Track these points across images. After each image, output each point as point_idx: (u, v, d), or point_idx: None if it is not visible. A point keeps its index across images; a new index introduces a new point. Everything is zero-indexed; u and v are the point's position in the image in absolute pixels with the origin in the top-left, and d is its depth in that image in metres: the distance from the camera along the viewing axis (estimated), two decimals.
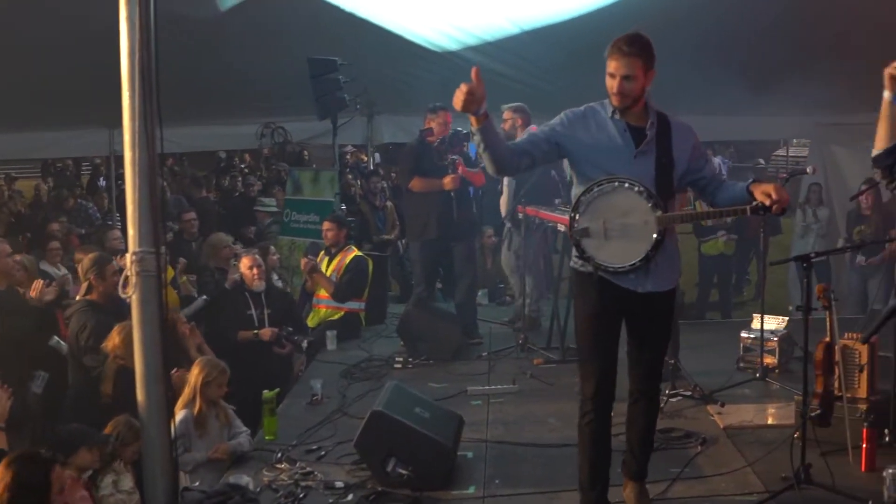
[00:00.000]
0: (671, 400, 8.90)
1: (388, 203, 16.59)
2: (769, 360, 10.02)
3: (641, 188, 6.01)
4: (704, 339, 11.92)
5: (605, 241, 6.09)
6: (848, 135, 15.22)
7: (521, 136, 11.71)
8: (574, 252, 6.27)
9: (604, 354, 6.32)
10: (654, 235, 6.04)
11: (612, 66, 5.96)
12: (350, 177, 17.86)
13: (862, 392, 7.86)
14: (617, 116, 6.13)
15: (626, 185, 6.02)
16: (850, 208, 13.48)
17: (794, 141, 25.90)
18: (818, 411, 7.07)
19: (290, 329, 10.85)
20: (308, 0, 11.73)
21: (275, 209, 15.90)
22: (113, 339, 8.71)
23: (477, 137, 5.88)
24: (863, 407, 7.69)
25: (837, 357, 7.55)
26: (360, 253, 12.39)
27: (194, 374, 8.16)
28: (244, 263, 11.00)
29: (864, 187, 11.82)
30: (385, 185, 17.39)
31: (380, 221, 16.07)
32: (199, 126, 15.82)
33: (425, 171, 11.47)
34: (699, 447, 7.93)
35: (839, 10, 11.21)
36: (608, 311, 6.28)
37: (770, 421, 8.65)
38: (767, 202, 5.85)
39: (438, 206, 11.39)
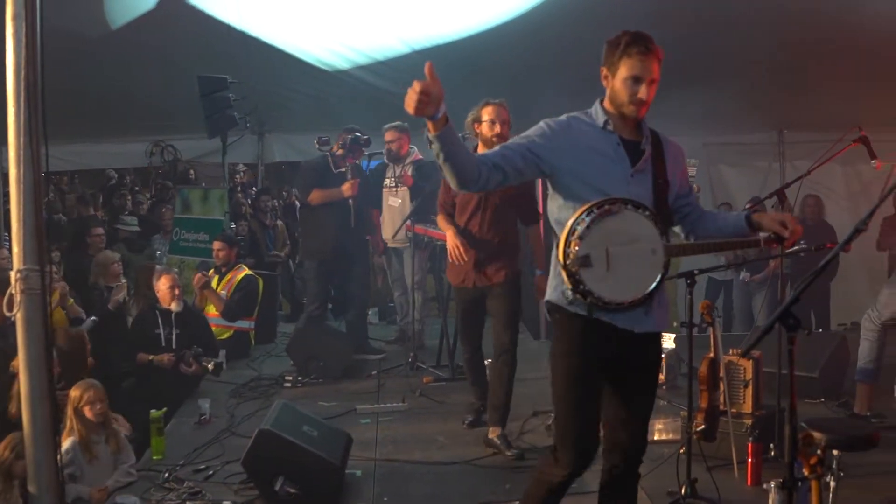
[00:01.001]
0: None
1: (279, 222, 16.54)
2: None
3: (648, 212, 5.13)
4: None
5: (608, 273, 5.05)
6: (736, 154, 15.46)
7: (409, 157, 11.83)
8: (562, 285, 5.18)
9: (589, 417, 5.39)
10: (663, 267, 5.22)
11: (636, 66, 5.11)
12: (240, 195, 17.78)
13: (747, 407, 8.00)
14: (610, 128, 5.27)
15: (630, 206, 5.09)
16: None
17: None
18: (703, 426, 7.16)
19: (200, 350, 10.70)
20: (199, 18, 11.66)
21: (135, 228, 15.73)
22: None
23: (435, 146, 4.84)
24: (748, 422, 7.83)
25: (722, 373, 7.68)
26: (250, 272, 12.40)
27: (69, 398, 8.02)
28: (164, 283, 10.75)
29: (748, 205, 12.01)
30: (275, 204, 17.31)
31: (270, 240, 16.01)
32: (89, 144, 15.63)
33: (324, 183, 11.54)
34: None
35: (727, 31, 11.40)
36: (596, 360, 5.30)
37: (657, 436, 8.74)
38: (785, 233, 5.22)
39: (336, 220, 11.52)
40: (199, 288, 12.00)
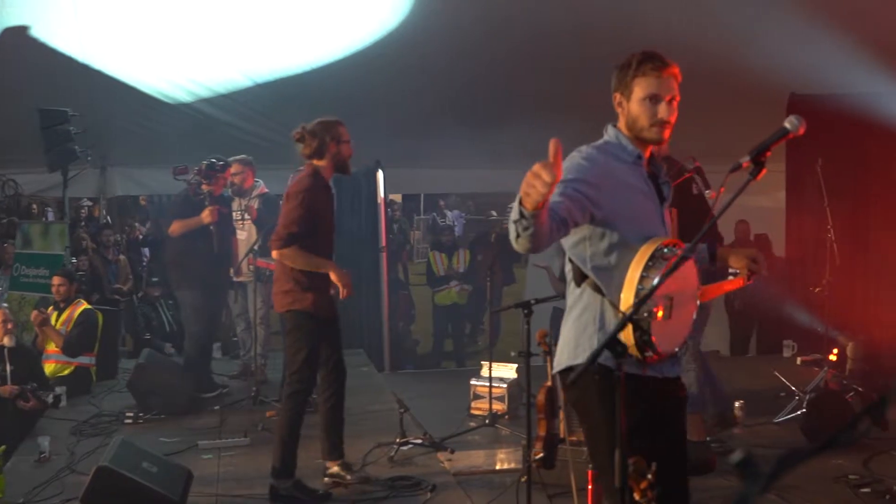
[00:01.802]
0: (402, 448, 9.00)
1: (122, 256, 16.37)
2: (498, 406, 10.25)
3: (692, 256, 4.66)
4: (438, 387, 12.19)
5: (668, 322, 4.55)
6: None
7: (255, 190, 11.78)
8: (620, 339, 4.26)
9: None
10: (696, 312, 4.87)
11: (652, 84, 4.65)
12: (82, 230, 17.55)
13: None
14: (641, 161, 4.77)
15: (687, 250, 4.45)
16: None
17: None
18: (542, 454, 7.24)
19: (35, 385, 10.50)
20: (42, 51, 11.57)
21: None
22: None
23: (528, 222, 3.94)
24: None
25: (562, 401, 7.76)
26: (89, 306, 12.22)
27: None
28: None
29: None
30: (118, 238, 17.14)
31: (112, 275, 15.84)
32: None
33: (184, 213, 11.47)
34: (429, 494, 8.02)
35: (581, 65, 11.64)
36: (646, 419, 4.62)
37: (499, 466, 8.84)
38: (761, 270, 5.03)
39: (202, 248, 11.42)
40: (38, 325, 11.81)
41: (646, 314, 4.42)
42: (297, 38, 11.78)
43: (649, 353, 4.53)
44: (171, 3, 11.63)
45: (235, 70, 12.35)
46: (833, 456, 8.78)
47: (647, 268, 4.44)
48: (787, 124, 4.29)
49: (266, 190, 11.91)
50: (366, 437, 9.36)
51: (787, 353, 13.82)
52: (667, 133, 4.69)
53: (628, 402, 4.26)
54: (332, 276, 7.95)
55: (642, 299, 4.20)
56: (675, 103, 4.68)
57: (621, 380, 3.90)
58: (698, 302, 4.85)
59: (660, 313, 4.43)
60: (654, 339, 4.46)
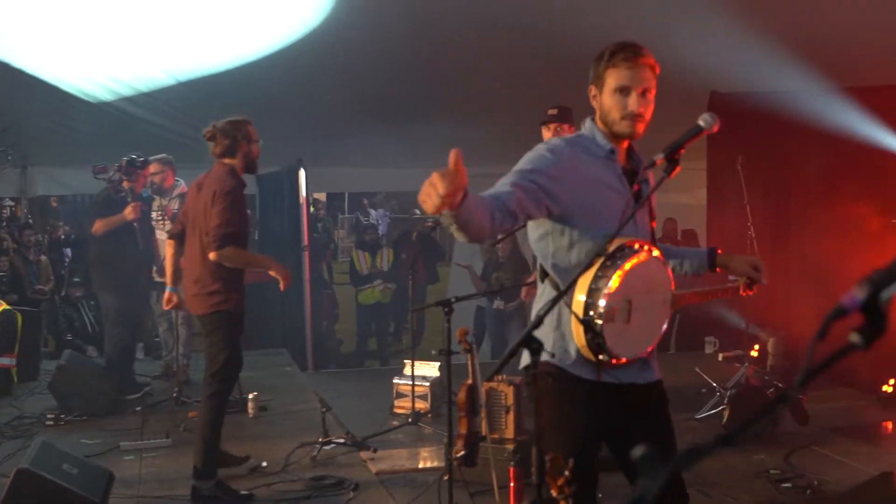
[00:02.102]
0: (324, 448, 8.99)
1: (43, 257, 16.22)
2: (421, 404, 10.27)
3: (663, 257, 4.67)
4: (362, 386, 12.20)
5: (626, 326, 4.41)
6: (492, 184, 15.74)
7: (175, 189, 11.71)
8: (566, 341, 4.56)
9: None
10: (668, 318, 4.77)
11: (624, 76, 4.50)
12: (3, 230, 17.38)
13: (509, 433, 8.15)
14: (614, 157, 4.60)
15: (653, 251, 4.55)
16: (489, 256, 13.84)
17: None
18: (463, 452, 7.26)
19: None
20: None
21: None
22: None
23: (447, 219, 3.85)
24: (510, 447, 7.96)
25: (484, 399, 7.79)
26: (7, 307, 12.09)
27: None
28: None
29: (500, 235, 12.27)
30: (40, 238, 16.97)
31: (33, 275, 15.69)
32: None
33: (106, 212, 11.37)
34: (351, 493, 8.03)
35: (481, 61, 11.65)
36: (601, 429, 4.71)
37: (421, 464, 8.87)
38: (761, 278, 5.03)
39: (126, 247, 11.41)
40: None
41: (595, 315, 4.32)
42: (220, 35, 11.71)
43: (604, 357, 4.42)
44: (92, 1, 11.54)
45: (157, 68, 12.25)
46: (754, 451, 8.91)
47: (603, 267, 4.33)
48: (700, 122, 4.29)
49: (186, 189, 11.82)
50: (288, 436, 9.37)
51: (708, 350, 13.96)
52: (640, 127, 4.55)
53: (581, 408, 4.56)
54: (273, 271, 8.06)
55: (569, 286, 4.23)
56: (649, 95, 4.55)
57: (534, 378, 3.89)
58: (670, 309, 4.71)
59: (600, 320, 4.31)
60: (607, 342, 4.34)
